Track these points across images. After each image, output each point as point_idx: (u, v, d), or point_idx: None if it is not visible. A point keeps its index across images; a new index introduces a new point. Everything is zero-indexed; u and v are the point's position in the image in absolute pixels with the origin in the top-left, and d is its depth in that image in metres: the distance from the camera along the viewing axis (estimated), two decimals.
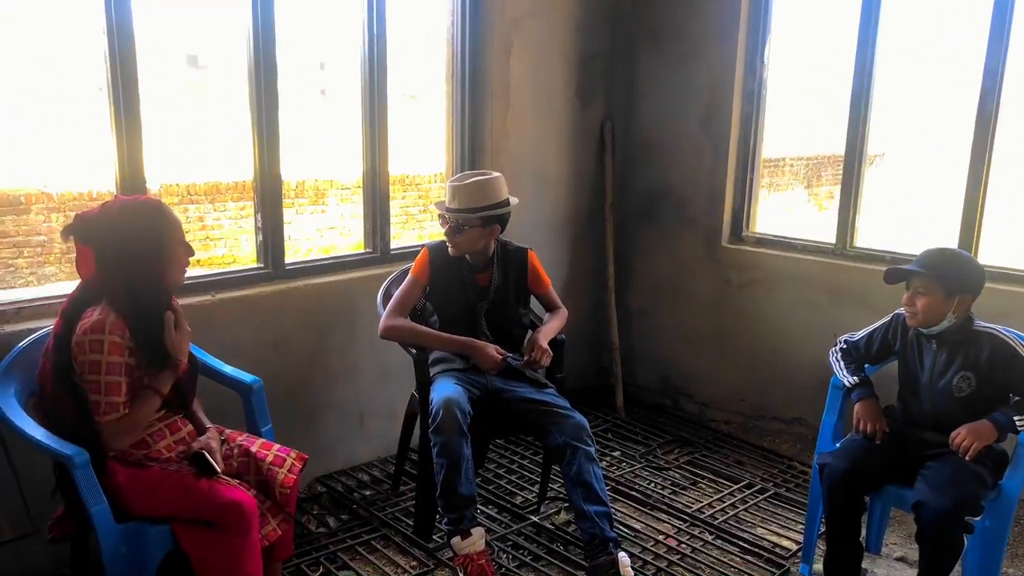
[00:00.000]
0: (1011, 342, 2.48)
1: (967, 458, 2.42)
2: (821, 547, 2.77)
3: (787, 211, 11.62)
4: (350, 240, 8.87)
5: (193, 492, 2.20)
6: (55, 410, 2.24)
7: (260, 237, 3.22)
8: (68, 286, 2.37)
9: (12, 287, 6.50)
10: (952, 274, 2.48)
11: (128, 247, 2.20)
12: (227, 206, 8.41)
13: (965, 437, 2.44)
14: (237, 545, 2.17)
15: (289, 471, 2.42)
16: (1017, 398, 2.49)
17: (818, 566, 2.83)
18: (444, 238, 2.97)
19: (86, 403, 2.19)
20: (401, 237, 8.76)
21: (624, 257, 4.42)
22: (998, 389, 2.51)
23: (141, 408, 2.24)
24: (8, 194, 7.03)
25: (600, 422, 4.14)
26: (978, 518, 2.39)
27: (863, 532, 2.94)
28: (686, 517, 3.23)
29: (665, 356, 4.38)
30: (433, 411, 2.70)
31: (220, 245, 8.38)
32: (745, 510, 3.32)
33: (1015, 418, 2.43)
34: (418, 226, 9.28)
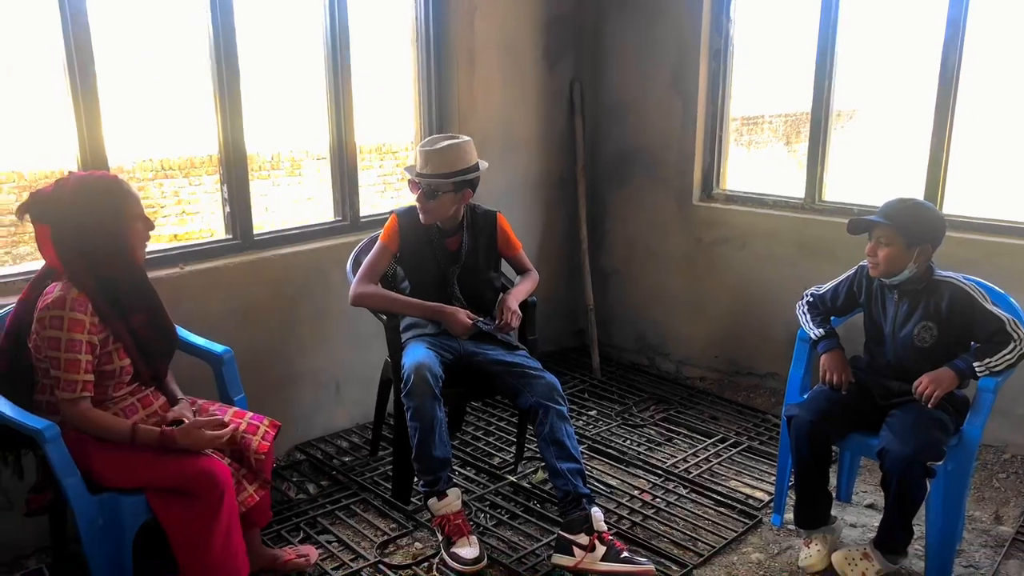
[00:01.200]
0: (970, 290, 2.52)
1: (929, 405, 2.47)
2: (792, 497, 2.83)
3: (766, 168, 11.63)
4: (330, 210, 8.83)
5: (166, 462, 2.21)
6: (10, 388, 2.27)
7: (227, 208, 3.21)
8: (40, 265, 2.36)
9: None
10: (913, 224, 2.51)
11: (86, 224, 2.18)
12: (202, 180, 8.34)
13: (927, 385, 2.49)
14: (211, 513, 2.19)
15: (263, 438, 2.44)
16: (977, 345, 2.54)
17: (789, 515, 2.89)
18: (415, 204, 2.97)
19: (38, 383, 2.22)
20: (379, 206, 8.72)
21: (597, 218, 4.44)
22: (959, 337, 2.55)
23: (104, 421, 2.20)
24: None
25: (577, 383, 4.18)
26: (940, 463, 2.44)
27: (833, 481, 3.01)
28: (661, 472, 3.29)
29: (640, 316, 4.42)
30: (405, 376, 2.72)
31: (197, 219, 8.33)
32: (719, 463, 3.37)
33: (975, 364, 2.47)
34: (396, 194, 9.25)
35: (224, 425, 2.33)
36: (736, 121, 11.90)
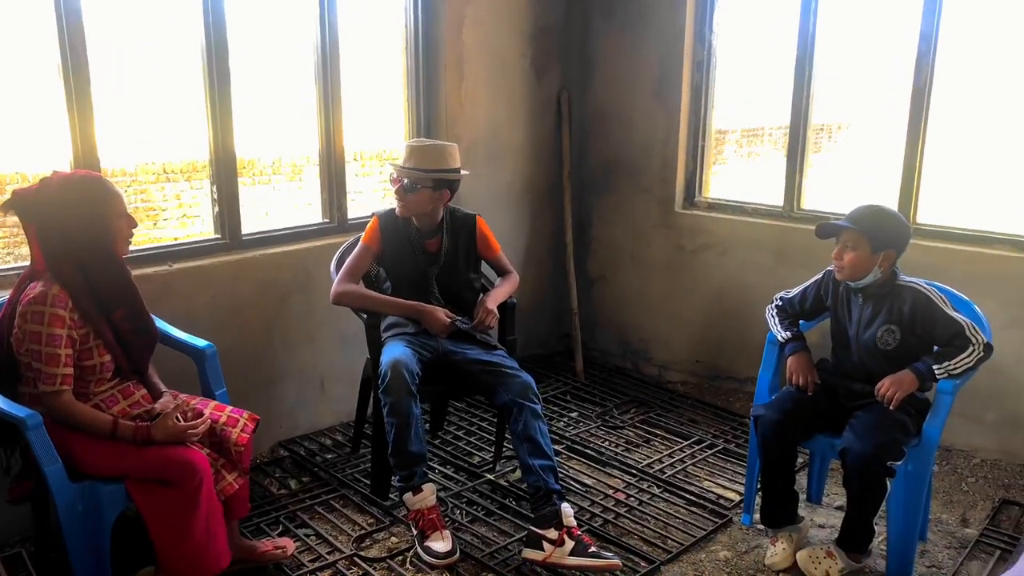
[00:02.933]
0: (931, 295, 2.59)
1: (891, 407, 2.54)
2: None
3: (765, 178, 11.69)
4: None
5: (145, 451, 2.29)
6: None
7: (216, 208, 3.29)
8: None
9: None
10: (878, 229, 2.58)
11: (70, 221, 2.26)
12: (203, 184, 8.45)
13: (888, 387, 2.55)
14: (189, 501, 2.26)
15: (242, 430, 2.51)
16: (938, 348, 2.60)
17: (759, 515, 2.95)
18: (395, 202, 3.06)
19: (22, 376, 2.30)
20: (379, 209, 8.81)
21: (583, 225, 4.51)
22: (920, 340, 2.62)
23: (85, 414, 2.28)
24: None
25: (560, 385, 4.25)
26: (900, 462, 2.50)
27: (803, 482, 3.08)
28: (636, 472, 3.35)
29: (624, 321, 4.49)
30: (382, 372, 2.80)
31: (198, 222, 8.43)
32: (694, 465, 3.44)
33: (934, 367, 2.54)
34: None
35: (199, 415, 2.40)
36: (736, 133, 12.00)
